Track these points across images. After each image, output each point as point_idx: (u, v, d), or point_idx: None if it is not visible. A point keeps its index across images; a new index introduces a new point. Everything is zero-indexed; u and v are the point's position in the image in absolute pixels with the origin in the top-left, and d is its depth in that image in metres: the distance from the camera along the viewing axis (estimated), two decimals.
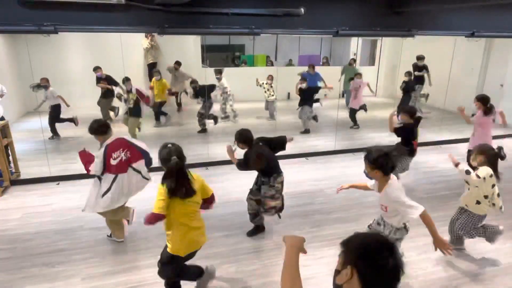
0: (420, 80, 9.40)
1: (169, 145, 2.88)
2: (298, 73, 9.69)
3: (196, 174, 3.02)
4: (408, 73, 9.15)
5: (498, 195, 3.62)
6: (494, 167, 3.57)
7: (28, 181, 5.70)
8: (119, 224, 4.13)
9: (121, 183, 3.80)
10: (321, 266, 3.66)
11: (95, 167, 3.73)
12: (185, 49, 10.64)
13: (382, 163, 2.80)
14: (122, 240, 4.14)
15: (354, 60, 11.79)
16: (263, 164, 3.87)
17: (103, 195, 3.77)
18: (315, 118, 8.56)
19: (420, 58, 9.24)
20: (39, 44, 8.78)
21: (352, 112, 8.94)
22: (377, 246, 1.40)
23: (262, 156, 3.84)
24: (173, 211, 2.84)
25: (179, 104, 10.10)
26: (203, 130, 8.31)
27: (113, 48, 7.68)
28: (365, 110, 8.95)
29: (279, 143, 4.18)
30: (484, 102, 5.23)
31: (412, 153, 5.26)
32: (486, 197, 3.59)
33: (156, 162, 3.11)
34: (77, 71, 9.51)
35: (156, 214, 2.76)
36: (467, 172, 3.55)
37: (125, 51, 7.31)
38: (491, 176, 3.52)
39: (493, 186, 3.57)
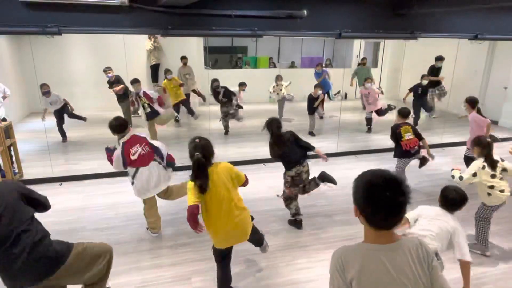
0: (437, 82, 9.11)
1: (196, 140, 2.83)
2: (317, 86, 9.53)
3: (223, 164, 2.91)
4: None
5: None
6: (490, 155, 3.72)
7: (30, 181, 5.70)
8: (153, 216, 4.20)
9: (143, 178, 3.90)
10: (323, 268, 3.64)
11: (116, 166, 3.91)
12: (188, 50, 10.65)
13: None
14: (156, 234, 4.24)
15: (366, 59, 10.89)
16: (276, 152, 4.08)
17: (132, 184, 4.00)
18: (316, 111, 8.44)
19: (439, 59, 8.81)
20: (43, 45, 8.83)
21: (369, 119, 8.67)
22: (376, 180, 1.45)
23: (279, 141, 4.04)
24: (204, 207, 2.82)
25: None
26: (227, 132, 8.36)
27: (116, 50, 7.71)
28: (390, 109, 8.43)
29: (305, 146, 4.26)
30: (472, 104, 5.41)
31: (400, 154, 5.16)
32: (492, 187, 3.68)
33: None
34: (81, 72, 9.55)
35: (189, 207, 2.71)
36: (460, 178, 3.75)
37: (128, 53, 7.33)
38: (483, 167, 3.69)
39: (493, 176, 3.68)
